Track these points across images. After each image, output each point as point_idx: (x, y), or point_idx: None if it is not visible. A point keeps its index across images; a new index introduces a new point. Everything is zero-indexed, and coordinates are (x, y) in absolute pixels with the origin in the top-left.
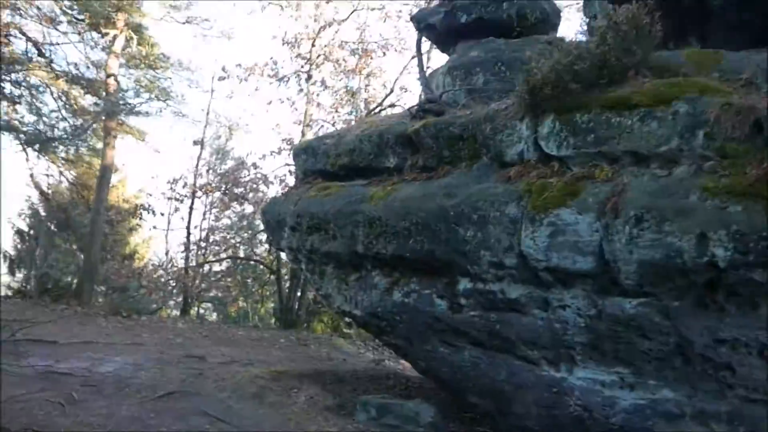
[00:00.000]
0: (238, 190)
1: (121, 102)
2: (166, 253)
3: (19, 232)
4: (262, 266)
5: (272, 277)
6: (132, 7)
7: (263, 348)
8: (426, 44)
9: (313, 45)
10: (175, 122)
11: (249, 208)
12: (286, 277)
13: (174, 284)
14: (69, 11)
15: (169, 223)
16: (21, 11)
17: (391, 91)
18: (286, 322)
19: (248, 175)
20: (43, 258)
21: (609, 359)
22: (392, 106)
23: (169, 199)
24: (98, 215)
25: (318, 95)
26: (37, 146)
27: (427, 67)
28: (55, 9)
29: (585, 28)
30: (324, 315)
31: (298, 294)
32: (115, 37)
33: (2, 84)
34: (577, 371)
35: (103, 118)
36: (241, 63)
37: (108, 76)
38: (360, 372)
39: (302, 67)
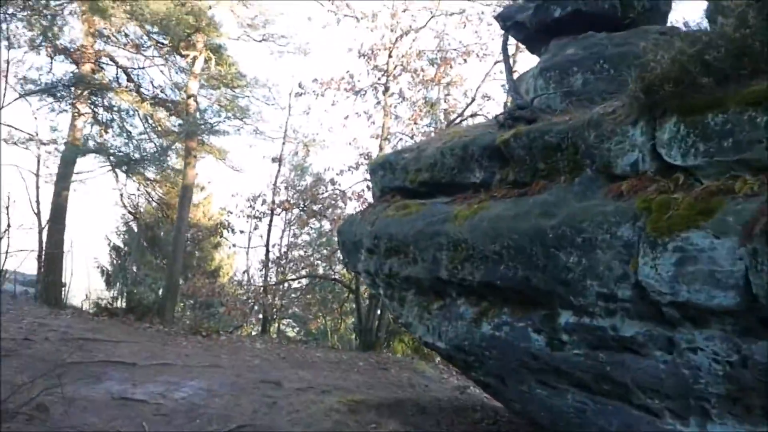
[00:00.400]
0: (316, 207)
1: (200, 122)
2: (245, 272)
3: (115, 248)
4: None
5: (351, 295)
6: (210, 28)
7: (341, 372)
8: (512, 46)
9: (389, 56)
10: (254, 140)
11: (327, 225)
12: (365, 295)
13: (253, 302)
14: (153, 36)
15: (249, 240)
16: (111, 39)
17: (473, 99)
18: (365, 343)
19: (326, 191)
20: (133, 275)
21: (756, 416)
22: (474, 115)
23: (249, 216)
24: (180, 233)
25: (395, 107)
26: (124, 167)
27: (514, 71)
28: (141, 35)
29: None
30: (404, 335)
31: (378, 313)
32: (194, 58)
33: (96, 109)
34: (711, 427)
35: (184, 138)
36: (317, 78)
37: (188, 96)
38: (443, 401)
39: (379, 79)
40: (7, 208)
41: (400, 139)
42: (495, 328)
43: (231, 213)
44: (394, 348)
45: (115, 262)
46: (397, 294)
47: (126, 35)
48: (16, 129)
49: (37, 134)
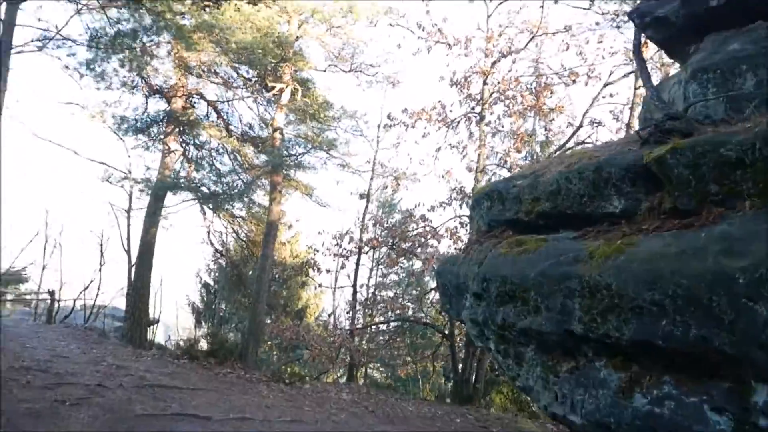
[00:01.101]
0: (405, 245)
1: (286, 155)
2: (331, 314)
3: (205, 286)
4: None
5: (444, 341)
6: (297, 58)
7: (436, 430)
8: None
9: (485, 83)
10: (341, 174)
11: (417, 264)
12: (461, 341)
13: (339, 346)
14: (242, 72)
15: (335, 280)
16: (201, 74)
17: (580, 126)
18: (461, 395)
19: (416, 228)
20: (219, 314)
21: None
22: (582, 143)
23: (336, 255)
24: (263, 272)
25: (492, 137)
26: (210, 204)
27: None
28: (229, 71)
29: None
30: (504, 386)
31: (475, 362)
32: (281, 90)
33: (186, 147)
34: None
35: (270, 172)
36: (407, 108)
37: (274, 130)
38: None
39: (473, 108)
40: (101, 245)
41: (495, 173)
42: (654, 402)
43: (317, 251)
44: (492, 400)
45: (205, 299)
46: (513, 350)
47: (215, 72)
48: (112, 167)
49: (130, 172)
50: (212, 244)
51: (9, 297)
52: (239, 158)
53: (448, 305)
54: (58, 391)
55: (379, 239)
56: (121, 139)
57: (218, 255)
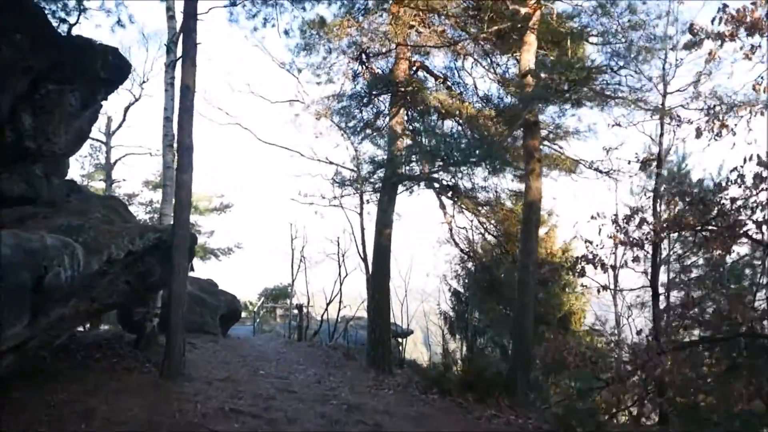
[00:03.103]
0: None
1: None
2: (616, 325)
3: (455, 294)
4: None
5: None
6: None
7: None
8: None
9: None
10: (609, 138)
11: (742, 250)
12: None
13: (637, 372)
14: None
15: (615, 279)
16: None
17: None
18: None
19: (745, 196)
20: (471, 327)
21: None
22: None
23: (622, 244)
24: (527, 274)
25: None
26: (449, 193)
27: None
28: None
29: None
30: None
31: None
32: (527, 16)
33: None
34: None
35: (522, 113)
36: (725, 8)
37: (523, 75)
38: None
39: None
40: (343, 255)
41: None
42: None
43: (590, 243)
44: None
45: (456, 307)
46: None
47: (441, 32)
48: (341, 167)
49: (358, 169)
50: (456, 243)
51: (279, 312)
52: (477, 131)
53: None
54: None
55: (690, 219)
56: (348, 136)
57: (465, 256)
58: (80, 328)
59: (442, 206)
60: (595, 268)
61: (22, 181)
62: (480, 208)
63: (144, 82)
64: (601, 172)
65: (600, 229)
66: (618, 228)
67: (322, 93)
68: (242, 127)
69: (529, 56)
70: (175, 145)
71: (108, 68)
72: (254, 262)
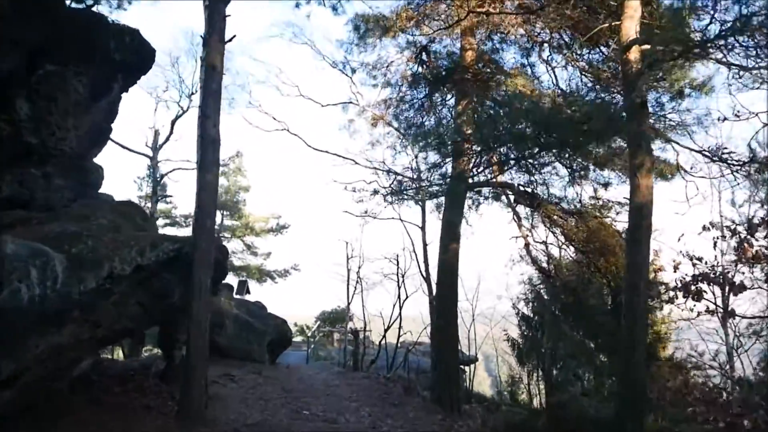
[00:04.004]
0: None
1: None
2: (728, 358)
3: (524, 318)
4: None
5: None
6: None
7: None
8: None
9: None
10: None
11: None
12: None
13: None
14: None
15: (726, 304)
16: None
17: None
18: None
19: None
20: (548, 358)
21: None
22: None
23: (750, 260)
24: (636, 295)
25: None
26: (527, 201)
27: None
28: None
29: None
30: None
31: None
32: None
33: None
34: None
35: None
36: None
37: (624, 49)
38: None
39: None
40: (403, 275)
41: None
42: None
43: (699, 260)
44: None
45: (526, 333)
46: None
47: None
48: (400, 175)
49: (419, 179)
50: (534, 260)
51: (336, 336)
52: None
53: None
54: None
55: None
56: (407, 144)
57: (544, 275)
58: (109, 355)
59: (517, 217)
60: (723, 289)
61: (14, 182)
62: (564, 218)
63: (192, 93)
64: (730, 163)
65: (715, 243)
66: (741, 240)
67: (378, 97)
68: (290, 133)
69: (631, 24)
70: (196, 139)
71: (124, 51)
72: (312, 283)
